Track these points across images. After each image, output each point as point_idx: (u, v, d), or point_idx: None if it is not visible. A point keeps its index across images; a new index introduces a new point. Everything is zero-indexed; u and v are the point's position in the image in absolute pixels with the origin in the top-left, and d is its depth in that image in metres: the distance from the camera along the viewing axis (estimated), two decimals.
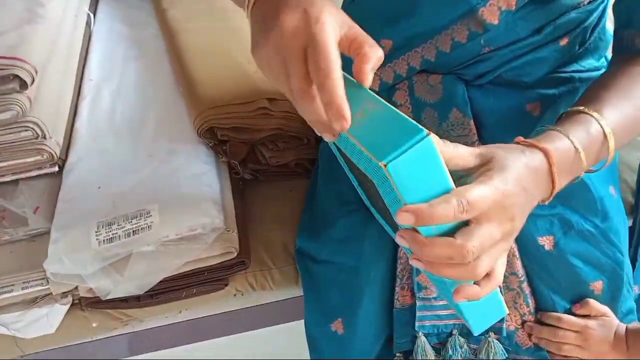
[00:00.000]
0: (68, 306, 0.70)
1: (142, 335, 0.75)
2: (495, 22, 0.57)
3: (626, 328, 0.59)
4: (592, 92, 0.53)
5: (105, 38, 0.98)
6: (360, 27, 0.42)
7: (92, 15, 1.01)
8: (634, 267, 0.74)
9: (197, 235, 0.67)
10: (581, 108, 0.50)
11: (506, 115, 0.63)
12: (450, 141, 0.60)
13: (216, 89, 0.78)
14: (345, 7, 0.71)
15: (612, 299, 0.63)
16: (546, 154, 0.45)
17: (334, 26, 0.39)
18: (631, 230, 0.75)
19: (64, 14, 0.87)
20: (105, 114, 0.83)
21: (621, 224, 0.66)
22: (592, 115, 0.49)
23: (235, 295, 0.75)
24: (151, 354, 0.80)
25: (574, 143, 0.46)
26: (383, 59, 0.41)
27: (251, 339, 0.82)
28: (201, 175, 0.74)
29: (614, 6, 0.60)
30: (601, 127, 0.48)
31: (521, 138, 0.47)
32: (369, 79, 0.40)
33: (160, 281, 0.68)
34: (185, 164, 0.74)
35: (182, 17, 0.93)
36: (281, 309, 0.77)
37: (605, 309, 0.61)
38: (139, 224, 0.66)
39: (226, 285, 0.72)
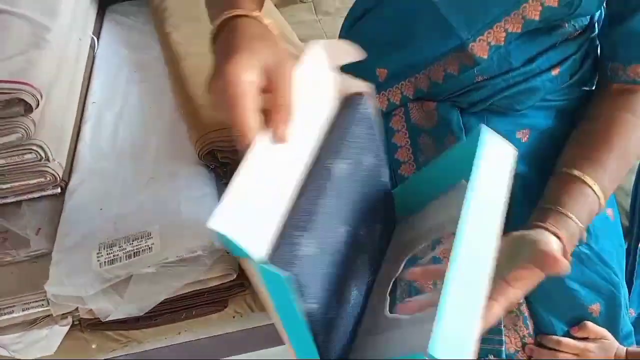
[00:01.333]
0: (68, 327, 0.70)
1: (141, 356, 0.75)
2: (485, 56, 0.59)
3: (626, 351, 0.60)
4: (583, 151, 0.59)
5: (108, 61, 1.00)
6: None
7: (95, 38, 1.03)
8: (629, 289, 0.74)
9: (197, 257, 0.67)
10: (576, 174, 0.57)
11: None
12: None
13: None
14: (344, 34, 0.73)
15: (610, 321, 0.63)
16: (560, 238, 0.52)
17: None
18: (626, 252, 0.76)
19: (68, 38, 0.89)
20: (107, 137, 0.84)
21: (617, 246, 0.67)
22: (588, 185, 0.56)
23: (234, 317, 0.75)
24: None
25: (578, 224, 0.54)
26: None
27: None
28: (202, 198, 0.74)
29: (599, 38, 0.62)
30: (597, 196, 0.56)
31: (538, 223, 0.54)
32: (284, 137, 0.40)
33: (160, 303, 0.68)
34: (186, 186, 0.75)
35: (184, 41, 0.95)
36: None
37: (603, 331, 0.61)
38: (139, 246, 0.67)
39: (225, 307, 0.73)
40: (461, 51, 0.59)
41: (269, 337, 0.78)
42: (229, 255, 0.70)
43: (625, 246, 0.71)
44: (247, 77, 0.39)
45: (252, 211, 0.37)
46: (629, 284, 0.74)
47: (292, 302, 0.35)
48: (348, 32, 0.72)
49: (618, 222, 0.70)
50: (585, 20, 0.61)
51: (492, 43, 0.58)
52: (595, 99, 0.64)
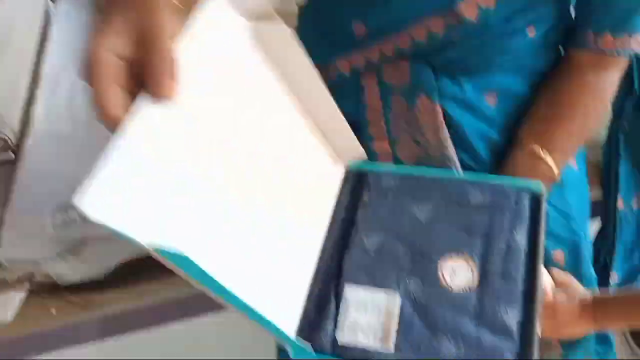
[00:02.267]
0: (24, 293, 0.68)
1: (105, 321, 0.73)
2: (473, 18, 0.56)
3: (592, 296, 0.59)
4: (547, 130, 0.61)
5: (67, 23, 0.96)
6: (335, 9, 0.41)
7: (51, 1, 0.99)
8: (612, 252, 0.75)
9: None
10: (537, 151, 0.60)
11: (467, 103, 0.63)
12: (418, 126, 0.61)
13: None
14: None
15: (574, 268, 0.63)
16: None
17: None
18: (605, 213, 0.76)
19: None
20: (63, 101, 0.81)
21: (579, 197, 0.67)
22: (547, 164, 0.60)
23: None
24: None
25: None
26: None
27: (218, 323, 0.81)
28: None
29: (575, 5, 0.61)
30: (553, 173, 0.60)
31: None
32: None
33: (120, 264, 0.67)
34: None
35: None
36: None
37: (569, 278, 0.61)
38: None
39: None
40: (449, 11, 0.57)
41: None
42: None
43: (589, 196, 0.71)
44: (108, 46, 0.34)
45: (134, 188, 0.33)
46: (611, 247, 0.75)
47: (207, 274, 0.33)
48: None
49: (583, 172, 0.70)
50: None
51: (482, 5, 0.56)
52: (563, 70, 0.63)
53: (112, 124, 0.33)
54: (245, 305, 0.36)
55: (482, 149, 0.64)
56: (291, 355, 0.42)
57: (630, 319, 0.56)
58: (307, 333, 0.43)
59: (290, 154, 0.49)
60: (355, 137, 0.53)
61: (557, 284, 0.62)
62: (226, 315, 0.78)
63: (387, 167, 0.56)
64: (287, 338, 0.41)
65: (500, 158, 0.64)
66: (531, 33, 0.60)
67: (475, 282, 0.45)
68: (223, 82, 0.42)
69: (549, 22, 0.61)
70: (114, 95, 0.34)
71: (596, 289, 0.65)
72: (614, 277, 0.76)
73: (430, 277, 0.46)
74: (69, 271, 0.65)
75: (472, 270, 0.46)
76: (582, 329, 0.58)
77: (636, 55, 0.66)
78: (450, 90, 0.63)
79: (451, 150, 0.62)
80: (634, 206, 0.75)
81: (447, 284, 0.45)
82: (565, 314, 0.59)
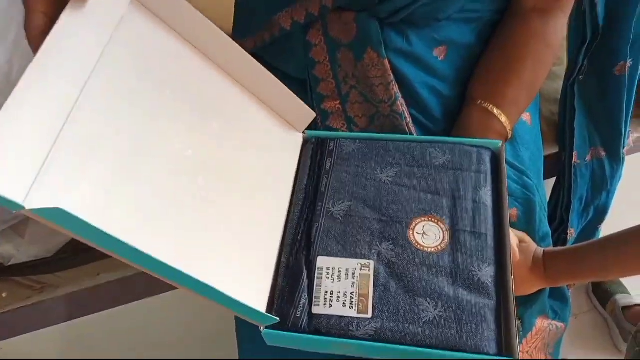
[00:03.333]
0: None
1: (59, 302, 0.71)
2: None
3: (543, 252, 0.60)
4: (497, 84, 0.60)
5: None
6: None
7: None
8: (569, 209, 0.75)
9: None
10: (489, 108, 0.59)
11: (416, 58, 0.62)
12: (368, 82, 0.59)
13: None
14: None
15: (527, 225, 0.63)
16: None
17: None
18: (561, 169, 0.76)
19: None
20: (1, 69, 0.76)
21: (533, 150, 0.66)
22: (499, 120, 0.59)
23: None
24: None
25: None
26: None
27: (178, 298, 0.80)
28: None
29: None
30: (506, 129, 0.59)
31: None
32: None
33: (69, 243, 0.64)
34: None
35: None
36: None
37: (522, 234, 0.62)
38: None
39: None
40: None
41: None
42: None
43: (543, 151, 0.71)
44: None
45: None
46: (568, 203, 0.76)
47: (92, 226, 0.30)
48: None
49: (536, 127, 0.70)
50: None
51: None
52: (509, 19, 0.62)
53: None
54: (199, 283, 0.34)
55: (434, 105, 0.63)
56: (262, 332, 0.41)
57: (580, 274, 0.57)
58: (279, 307, 0.42)
59: (239, 127, 0.48)
60: (302, 103, 0.51)
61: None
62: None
63: (344, 133, 0.55)
64: (256, 314, 0.39)
65: (453, 114, 0.63)
66: None
67: (447, 242, 0.45)
68: (142, 67, 0.40)
69: None
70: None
71: (551, 245, 0.65)
72: (572, 233, 0.77)
73: (402, 240, 0.45)
74: (13, 251, 0.62)
75: (442, 230, 0.46)
76: (534, 284, 0.59)
77: (589, 1, 0.66)
78: (398, 44, 0.61)
79: (402, 107, 0.61)
80: (588, 159, 0.75)
81: (420, 245, 0.45)
82: (518, 269, 0.60)
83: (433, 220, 0.46)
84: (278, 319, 0.41)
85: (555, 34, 0.61)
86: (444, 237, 0.46)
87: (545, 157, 0.72)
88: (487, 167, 0.50)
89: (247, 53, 0.46)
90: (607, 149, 0.75)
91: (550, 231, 0.67)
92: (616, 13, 0.67)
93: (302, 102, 0.51)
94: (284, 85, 0.49)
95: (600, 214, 0.79)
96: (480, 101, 0.60)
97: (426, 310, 0.41)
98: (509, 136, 0.60)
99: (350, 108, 0.61)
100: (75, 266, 0.68)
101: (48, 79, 0.33)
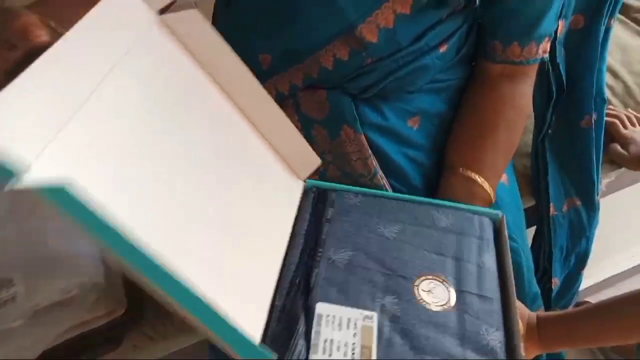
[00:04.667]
0: None
1: None
2: (375, 40, 0.54)
3: (537, 317, 0.59)
4: (474, 150, 0.61)
5: None
6: (240, 41, 0.42)
7: None
8: (550, 259, 0.76)
9: (74, 298, 0.59)
10: (470, 175, 0.59)
11: (392, 130, 0.61)
12: (346, 158, 0.58)
13: None
14: (218, 16, 0.65)
15: (517, 288, 0.62)
16: None
17: None
18: (538, 221, 0.77)
19: None
20: None
21: (513, 211, 0.67)
22: (480, 185, 0.59)
23: (134, 349, 0.67)
24: None
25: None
26: None
27: None
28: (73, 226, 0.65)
29: (482, 15, 0.60)
30: (488, 193, 0.59)
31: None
32: None
33: (44, 352, 0.59)
34: (52, 215, 0.65)
35: None
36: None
37: None
38: (1, 297, 0.57)
39: (119, 344, 0.65)
40: (349, 35, 0.54)
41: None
42: (113, 288, 0.61)
43: (522, 207, 0.71)
44: None
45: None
46: (549, 254, 0.76)
47: (94, 212, 0.28)
48: (223, 12, 0.64)
49: (514, 186, 0.70)
50: None
51: (382, 25, 0.54)
52: (477, 86, 0.63)
53: None
54: (191, 294, 0.31)
55: (413, 174, 0.62)
56: None
57: (574, 341, 0.57)
58: (274, 351, 0.38)
59: (244, 166, 0.46)
60: (310, 149, 0.50)
61: None
62: None
63: (345, 186, 0.54)
64: (247, 346, 0.34)
65: (432, 181, 0.63)
66: (443, 49, 0.58)
67: (453, 301, 0.43)
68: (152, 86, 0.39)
69: (460, 38, 0.60)
70: None
71: (542, 307, 0.65)
72: (556, 282, 0.77)
73: (406, 295, 0.43)
74: None
75: (448, 290, 0.44)
76: (528, 351, 0.58)
77: (550, 61, 0.68)
78: (372, 118, 0.61)
79: (383, 180, 0.60)
80: (565, 209, 0.76)
81: (425, 302, 0.43)
82: None
83: (438, 279, 0.45)
84: (276, 354, 0.36)
85: (523, 97, 0.62)
86: (449, 296, 0.44)
87: (524, 210, 0.72)
88: (489, 234, 0.50)
89: (264, 90, 0.46)
90: (582, 198, 0.76)
91: (539, 291, 0.66)
92: (577, 71, 0.69)
93: (310, 148, 0.50)
94: (295, 128, 0.48)
95: (582, 260, 0.80)
96: (461, 169, 0.59)
97: None
98: (493, 201, 0.60)
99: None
100: None
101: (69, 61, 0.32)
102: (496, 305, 0.44)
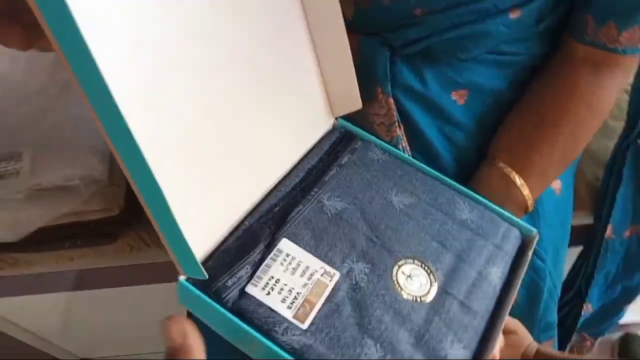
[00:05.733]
0: None
1: (30, 280, 0.70)
2: None
3: (537, 350, 0.52)
4: (525, 145, 0.50)
5: None
6: None
7: None
8: (589, 282, 0.66)
9: (73, 187, 0.59)
10: (511, 175, 0.50)
11: (429, 100, 0.52)
12: (367, 119, 0.51)
13: None
14: None
15: (528, 311, 0.55)
16: None
17: None
18: (591, 242, 0.66)
19: None
20: None
21: (556, 226, 0.56)
22: (520, 190, 0.49)
23: (131, 250, 0.68)
24: None
25: None
26: None
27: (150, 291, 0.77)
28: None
29: None
30: (526, 201, 0.50)
31: None
32: None
33: (40, 229, 0.61)
34: (78, 101, 0.65)
35: None
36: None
37: (515, 324, 0.53)
38: (7, 168, 0.59)
39: (114, 240, 0.66)
40: None
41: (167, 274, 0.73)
42: (113, 187, 0.61)
43: (570, 224, 0.60)
44: None
45: None
46: (590, 276, 0.66)
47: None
48: None
49: (567, 197, 0.59)
50: None
51: None
52: (553, 69, 0.50)
53: None
54: (155, 187, 0.28)
55: (445, 154, 0.54)
56: (181, 277, 0.34)
57: None
58: (214, 265, 0.36)
59: (282, 80, 0.42)
60: (357, 89, 0.45)
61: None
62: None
63: (377, 139, 0.48)
64: (186, 257, 0.33)
65: (467, 167, 0.54)
66: (515, 14, 0.47)
67: (430, 298, 0.38)
68: None
69: (541, 5, 0.48)
70: None
71: (554, 338, 0.57)
72: (588, 308, 0.67)
73: (381, 269, 0.38)
74: None
75: (431, 284, 0.39)
76: None
77: None
78: (408, 80, 0.52)
79: (405, 152, 0.52)
80: (626, 235, 0.64)
81: (399, 286, 0.38)
82: None
83: (426, 268, 0.39)
84: (207, 276, 0.34)
85: (606, 96, 0.49)
86: (429, 291, 0.38)
87: (575, 227, 0.62)
88: (510, 247, 0.42)
89: (342, 18, 0.41)
90: None
91: (556, 322, 0.58)
92: None
93: (357, 90, 0.45)
94: (352, 65, 0.43)
95: (629, 294, 0.69)
96: (502, 163, 0.50)
97: (369, 355, 0.34)
98: (530, 209, 0.51)
99: None
100: (44, 250, 0.66)
101: None
102: (478, 322, 0.37)
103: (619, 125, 0.63)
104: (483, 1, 0.46)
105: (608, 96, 0.50)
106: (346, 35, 0.42)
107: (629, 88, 0.60)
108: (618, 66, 0.48)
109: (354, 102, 0.46)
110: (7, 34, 0.33)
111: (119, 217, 0.62)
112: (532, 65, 0.53)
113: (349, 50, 0.42)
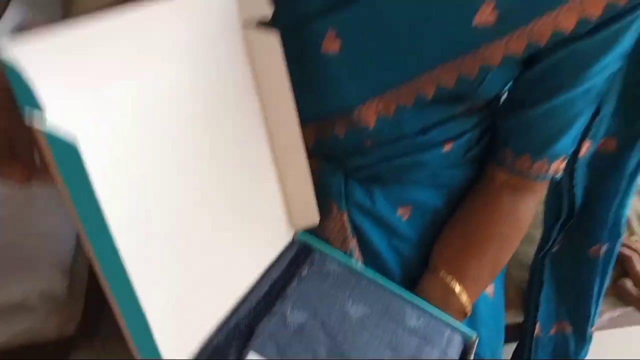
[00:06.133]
0: None
1: None
2: (371, 125, 0.52)
3: None
4: (461, 257, 0.57)
5: None
6: None
7: None
8: None
9: (30, 304, 0.59)
10: (449, 282, 0.56)
11: (378, 216, 0.59)
12: (324, 233, 0.57)
13: None
14: None
15: None
16: None
17: None
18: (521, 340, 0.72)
19: None
20: None
21: (489, 327, 0.63)
22: (457, 296, 0.55)
23: None
24: None
25: None
26: None
27: None
28: (56, 227, 0.66)
29: (497, 117, 0.57)
30: (463, 306, 0.56)
31: None
32: None
33: None
34: (43, 209, 0.66)
35: None
36: None
37: None
38: None
39: None
40: (347, 115, 0.52)
41: None
42: (71, 301, 0.62)
43: (504, 324, 0.67)
44: None
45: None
46: None
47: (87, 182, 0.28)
48: None
49: (499, 300, 0.66)
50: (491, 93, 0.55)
51: (381, 112, 0.51)
52: (479, 192, 0.59)
53: None
54: (124, 283, 0.31)
55: (393, 265, 0.60)
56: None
57: None
58: None
59: (248, 201, 0.46)
60: (316, 206, 0.50)
61: None
62: None
63: (334, 251, 0.53)
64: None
65: (412, 276, 0.60)
66: (447, 147, 0.55)
67: None
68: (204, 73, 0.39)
69: (470, 139, 0.57)
70: None
71: None
72: None
73: None
74: None
75: None
76: None
77: (567, 181, 0.63)
78: (360, 199, 0.58)
79: (358, 263, 0.58)
80: (552, 332, 0.72)
81: None
82: None
83: None
84: None
85: (524, 213, 0.58)
86: None
87: (509, 325, 0.68)
88: (454, 352, 0.48)
89: (299, 133, 0.46)
90: (573, 326, 0.71)
91: None
92: (595, 196, 0.65)
93: (315, 205, 0.50)
94: (311, 182, 0.48)
95: None
96: (442, 272, 0.56)
97: None
98: (469, 313, 0.57)
99: None
100: None
101: None
102: None
103: (538, 232, 0.72)
104: (422, 136, 0.54)
105: (527, 213, 0.58)
106: (306, 159, 0.47)
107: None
108: (533, 190, 0.58)
109: (312, 218, 0.51)
110: (7, 171, 0.35)
111: (76, 333, 0.61)
112: (464, 187, 0.61)
113: (309, 171, 0.48)
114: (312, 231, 0.59)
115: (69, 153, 0.27)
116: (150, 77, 0.35)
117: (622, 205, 0.64)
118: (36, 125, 0.26)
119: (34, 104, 0.26)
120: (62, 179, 0.27)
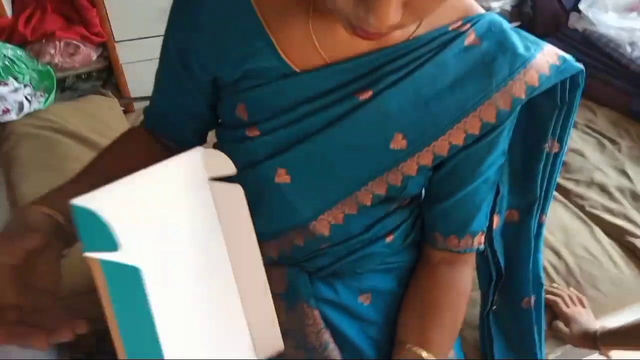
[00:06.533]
0: None
1: None
2: (326, 233, 0.63)
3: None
4: (423, 329, 0.66)
5: None
6: None
7: None
8: None
9: None
10: (416, 351, 0.63)
11: (344, 306, 0.68)
12: (302, 332, 0.64)
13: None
14: None
15: None
16: None
17: None
18: None
19: None
20: None
21: None
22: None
23: None
24: None
25: None
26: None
27: None
28: None
29: (424, 210, 0.69)
30: None
31: None
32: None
33: None
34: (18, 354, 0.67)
35: (31, 193, 0.91)
36: None
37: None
38: None
39: None
40: (304, 228, 0.63)
41: None
42: None
43: None
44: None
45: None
46: None
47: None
48: None
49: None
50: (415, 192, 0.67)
51: (332, 222, 0.62)
52: (422, 270, 0.70)
53: None
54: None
55: (366, 348, 0.68)
56: None
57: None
58: None
59: (214, 329, 0.49)
60: (279, 332, 0.53)
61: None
62: None
63: None
64: None
65: (386, 355, 0.68)
66: (389, 238, 0.67)
67: None
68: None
69: (406, 228, 0.68)
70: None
71: None
72: None
73: None
74: None
75: None
76: None
77: (489, 249, 0.76)
78: (326, 294, 0.68)
79: (335, 353, 0.65)
80: None
81: None
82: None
83: None
84: None
85: (463, 281, 0.69)
86: None
87: None
88: None
89: (262, 264, 0.50)
90: None
91: None
92: (515, 258, 0.77)
93: (279, 333, 0.53)
94: (274, 311, 0.52)
95: None
96: (409, 345, 0.65)
97: None
98: None
99: (285, 355, 0.65)
100: None
101: None
102: None
103: (478, 294, 0.83)
104: (367, 233, 0.65)
105: (466, 280, 0.70)
106: (268, 287, 0.51)
107: None
108: (465, 260, 0.69)
109: (277, 345, 0.54)
110: (30, 339, 0.41)
111: None
112: (411, 268, 0.72)
113: (272, 305, 0.52)
114: (290, 328, 0.66)
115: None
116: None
117: (535, 261, 0.77)
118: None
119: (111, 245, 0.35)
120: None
